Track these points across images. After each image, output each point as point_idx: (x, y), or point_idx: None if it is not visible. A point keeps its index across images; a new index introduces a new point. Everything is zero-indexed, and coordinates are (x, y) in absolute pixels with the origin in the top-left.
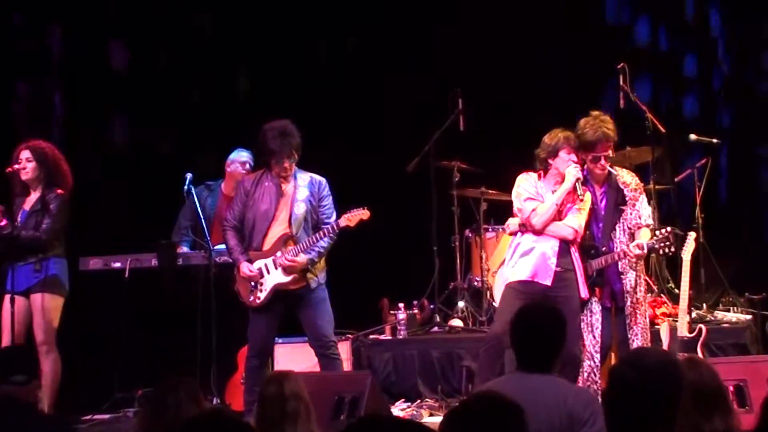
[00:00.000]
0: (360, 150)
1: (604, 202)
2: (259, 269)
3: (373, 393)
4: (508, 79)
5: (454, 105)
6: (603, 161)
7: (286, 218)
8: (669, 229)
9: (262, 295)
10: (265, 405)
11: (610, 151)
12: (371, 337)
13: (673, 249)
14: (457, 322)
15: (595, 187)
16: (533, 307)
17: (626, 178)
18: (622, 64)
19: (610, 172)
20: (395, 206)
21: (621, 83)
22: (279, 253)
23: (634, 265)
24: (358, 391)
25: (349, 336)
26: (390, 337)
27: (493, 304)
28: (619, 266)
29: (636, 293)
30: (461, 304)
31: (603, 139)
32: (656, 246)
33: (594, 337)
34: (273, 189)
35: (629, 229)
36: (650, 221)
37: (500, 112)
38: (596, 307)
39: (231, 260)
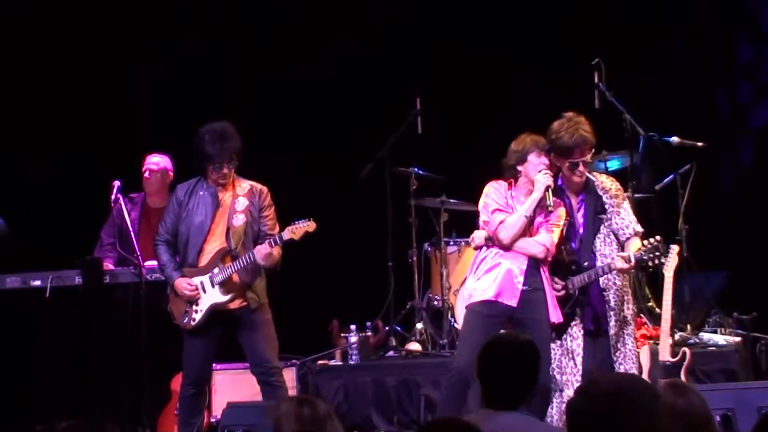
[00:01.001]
0: (306, 154)
1: (582, 211)
2: (195, 287)
3: None
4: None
5: (412, 105)
6: (581, 167)
7: (223, 231)
8: (658, 237)
9: (198, 317)
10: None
11: (588, 156)
12: (320, 362)
13: (663, 260)
14: (414, 346)
15: (571, 198)
16: (503, 339)
17: (605, 182)
18: (597, 59)
19: (588, 179)
20: (346, 217)
21: (596, 81)
22: (216, 270)
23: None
24: None
25: (295, 361)
26: (340, 363)
27: (455, 325)
28: (601, 282)
29: (622, 311)
30: (419, 325)
31: (581, 143)
32: (645, 257)
33: (575, 364)
34: (209, 199)
35: (615, 240)
36: (639, 228)
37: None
38: (577, 331)
39: (163, 277)
